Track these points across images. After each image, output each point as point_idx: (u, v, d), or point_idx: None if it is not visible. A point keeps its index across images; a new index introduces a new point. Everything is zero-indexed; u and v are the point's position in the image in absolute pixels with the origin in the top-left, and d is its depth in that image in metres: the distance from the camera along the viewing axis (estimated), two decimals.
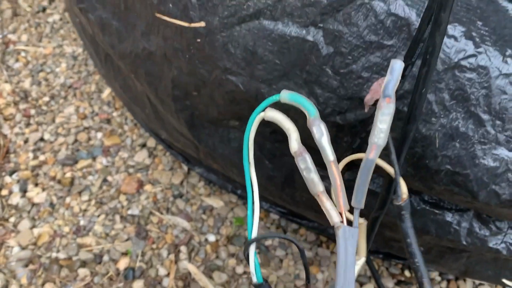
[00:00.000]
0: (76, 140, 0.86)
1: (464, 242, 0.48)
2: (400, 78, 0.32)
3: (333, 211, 0.30)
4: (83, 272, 0.69)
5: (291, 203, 0.60)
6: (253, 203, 0.36)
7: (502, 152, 0.37)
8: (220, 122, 0.54)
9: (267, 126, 0.55)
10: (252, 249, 0.34)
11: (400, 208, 0.36)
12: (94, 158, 0.83)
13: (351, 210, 0.33)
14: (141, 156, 0.83)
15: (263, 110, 0.35)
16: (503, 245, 0.47)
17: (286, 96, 0.33)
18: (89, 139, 0.86)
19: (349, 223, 0.31)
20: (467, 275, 0.58)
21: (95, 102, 0.92)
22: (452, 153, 0.38)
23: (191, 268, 0.69)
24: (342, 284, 0.27)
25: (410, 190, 0.46)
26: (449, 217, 0.47)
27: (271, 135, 0.53)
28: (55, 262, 0.70)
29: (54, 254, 0.71)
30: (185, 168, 0.82)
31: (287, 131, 0.33)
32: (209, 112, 0.53)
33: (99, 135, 0.87)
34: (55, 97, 0.93)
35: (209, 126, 0.57)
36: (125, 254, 0.71)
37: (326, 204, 0.31)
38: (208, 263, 0.71)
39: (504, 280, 0.56)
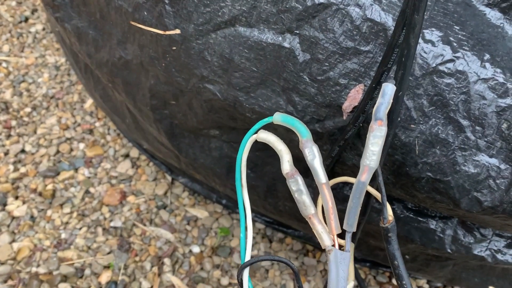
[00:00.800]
0: (58, 151, 0.84)
1: (449, 250, 0.47)
2: (391, 101, 0.31)
3: (325, 234, 0.29)
4: (63, 287, 0.68)
5: (275, 213, 0.59)
6: (246, 225, 0.35)
7: (483, 158, 0.36)
8: (200, 131, 0.53)
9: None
10: (246, 273, 0.33)
11: (386, 230, 0.35)
12: (76, 170, 0.82)
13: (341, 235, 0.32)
14: (124, 167, 0.82)
15: (256, 132, 0.34)
16: (488, 252, 0.46)
17: (279, 118, 0.33)
18: (71, 150, 0.85)
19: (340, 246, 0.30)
20: (454, 282, 0.57)
21: (78, 112, 0.91)
22: (433, 160, 0.37)
23: (175, 280, 0.68)
24: None
25: (393, 198, 0.46)
26: (433, 224, 0.47)
27: (252, 144, 0.52)
28: (35, 277, 0.69)
29: (34, 269, 0.69)
30: (169, 178, 0.80)
31: (279, 152, 0.32)
32: (188, 121, 0.52)
33: (82, 145, 0.85)
34: (37, 108, 0.91)
35: (189, 135, 0.56)
36: (107, 267, 0.70)
37: (318, 227, 0.30)
38: (193, 275, 0.69)
39: None
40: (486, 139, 0.36)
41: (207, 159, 0.57)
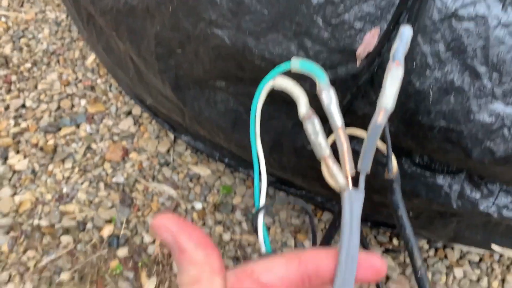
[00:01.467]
0: (59, 107, 0.83)
1: (455, 206, 0.47)
2: (409, 44, 0.30)
3: (340, 175, 0.29)
4: (65, 239, 0.68)
5: (278, 169, 0.58)
6: (259, 172, 0.34)
7: (498, 106, 0.35)
8: (206, 83, 0.52)
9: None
10: (261, 218, 0.32)
11: (391, 181, 0.35)
12: (77, 126, 0.81)
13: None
14: (126, 124, 0.81)
15: (273, 78, 0.33)
16: (493, 208, 0.46)
17: (296, 63, 0.32)
18: (73, 106, 0.83)
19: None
20: (456, 241, 0.57)
21: (79, 68, 0.89)
22: (447, 108, 0.36)
23: None
24: (346, 248, 0.26)
25: (401, 151, 0.45)
26: (440, 179, 0.46)
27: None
28: (37, 230, 0.69)
29: (36, 222, 0.70)
30: (172, 136, 0.80)
31: (296, 97, 0.31)
32: (194, 71, 0.51)
33: (83, 102, 0.84)
34: (37, 64, 0.90)
35: (194, 87, 0.54)
36: (109, 221, 0.70)
37: (333, 167, 0.29)
38: None
39: (494, 246, 0.55)
40: (503, 87, 0.35)
41: (212, 112, 0.56)
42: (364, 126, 0.35)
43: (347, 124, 0.42)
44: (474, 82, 0.35)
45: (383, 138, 0.36)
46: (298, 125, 0.52)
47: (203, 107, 0.56)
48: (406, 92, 0.37)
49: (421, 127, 0.38)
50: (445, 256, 0.68)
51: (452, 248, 0.69)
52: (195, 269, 0.22)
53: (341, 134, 0.30)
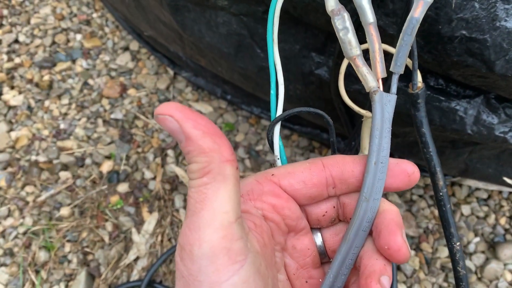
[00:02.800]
0: (53, 42, 0.80)
1: (470, 131, 0.44)
2: None
3: (370, 75, 0.26)
4: (64, 175, 0.66)
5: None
6: (276, 81, 0.31)
7: None
8: (207, 2, 0.49)
9: (259, 5, 0.49)
10: (277, 130, 0.30)
11: (416, 96, 0.33)
12: (73, 61, 0.78)
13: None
14: (124, 59, 0.78)
15: None
16: (511, 133, 0.44)
17: None
18: (68, 41, 0.80)
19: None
20: (466, 174, 0.55)
21: (73, 2, 0.85)
22: (470, 15, 0.33)
23: (179, 171, 0.66)
24: (377, 152, 0.24)
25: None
26: (455, 104, 0.44)
27: (264, 16, 0.48)
28: (35, 165, 0.67)
29: (33, 157, 0.68)
30: (171, 72, 0.77)
31: None
32: None
33: (78, 37, 0.80)
34: None
35: (194, 9, 0.51)
36: (108, 157, 0.68)
37: (363, 69, 0.27)
38: None
39: (505, 178, 0.53)
40: None
41: (214, 37, 0.52)
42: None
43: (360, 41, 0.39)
44: None
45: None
46: (305, 48, 0.49)
47: (204, 31, 0.53)
48: None
49: (441, 38, 0.35)
50: (453, 194, 0.67)
51: (460, 186, 0.67)
52: (204, 157, 0.20)
53: (373, 31, 0.27)
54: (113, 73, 0.76)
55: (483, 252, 0.63)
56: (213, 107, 0.74)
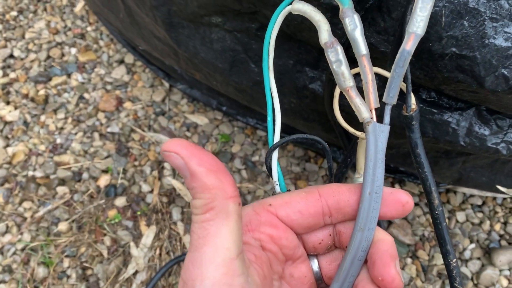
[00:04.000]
0: (48, 56, 0.80)
1: (462, 143, 0.45)
2: None
3: (363, 107, 0.27)
4: (61, 190, 0.67)
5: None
6: (273, 108, 0.32)
7: None
8: (201, 19, 0.49)
9: (252, 22, 0.50)
10: (275, 156, 0.30)
11: (410, 118, 0.33)
12: (68, 75, 0.78)
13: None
14: (119, 73, 0.78)
15: (290, 4, 0.30)
16: (503, 144, 0.44)
17: None
18: (63, 55, 0.80)
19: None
20: (460, 183, 0.56)
21: (68, 16, 0.85)
22: (460, 32, 0.34)
23: (176, 184, 0.67)
24: (371, 182, 0.24)
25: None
26: (447, 116, 0.44)
27: (258, 32, 0.49)
28: (32, 181, 0.67)
29: (30, 173, 0.68)
30: (167, 85, 0.77)
31: (317, 23, 0.28)
32: (188, 6, 0.47)
33: (73, 50, 0.81)
34: (24, 12, 0.86)
35: (188, 25, 0.51)
36: (105, 171, 0.68)
37: (356, 100, 0.27)
38: None
39: (499, 187, 0.54)
40: None
41: (208, 52, 0.53)
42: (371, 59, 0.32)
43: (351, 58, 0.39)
44: (490, 3, 0.33)
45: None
46: (299, 63, 0.49)
47: (198, 47, 0.53)
48: None
49: (432, 55, 0.36)
50: (448, 201, 0.68)
51: (455, 193, 0.68)
52: (207, 194, 0.20)
53: (366, 63, 0.27)
54: (108, 87, 0.76)
55: (478, 258, 0.64)
56: (209, 118, 0.74)
